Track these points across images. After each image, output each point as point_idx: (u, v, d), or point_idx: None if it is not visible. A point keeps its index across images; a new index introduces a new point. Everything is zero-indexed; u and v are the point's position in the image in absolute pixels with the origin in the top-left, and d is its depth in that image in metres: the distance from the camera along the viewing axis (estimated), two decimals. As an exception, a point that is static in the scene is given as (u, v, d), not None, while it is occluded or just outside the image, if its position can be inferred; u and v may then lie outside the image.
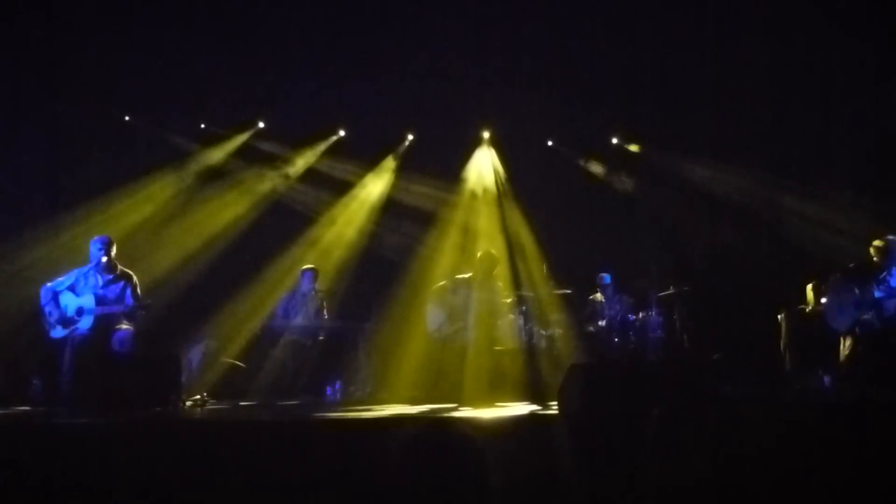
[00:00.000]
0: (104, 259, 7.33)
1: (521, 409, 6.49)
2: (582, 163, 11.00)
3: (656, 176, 10.54)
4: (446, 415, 5.96)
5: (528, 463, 4.32)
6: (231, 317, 9.47)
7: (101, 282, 7.39)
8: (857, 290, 7.33)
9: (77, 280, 7.35)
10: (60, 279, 7.37)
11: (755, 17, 9.12)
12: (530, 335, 8.18)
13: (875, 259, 7.45)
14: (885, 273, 7.36)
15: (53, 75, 9.59)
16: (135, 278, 7.61)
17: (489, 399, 7.10)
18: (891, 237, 7.45)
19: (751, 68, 9.54)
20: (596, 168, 10.96)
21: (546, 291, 9.23)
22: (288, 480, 4.31)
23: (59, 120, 9.90)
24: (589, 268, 9.83)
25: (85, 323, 7.20)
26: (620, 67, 9.87)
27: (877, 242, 7.48)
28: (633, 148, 10.81)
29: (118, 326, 7.32)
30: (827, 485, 4.23)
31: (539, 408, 6.54)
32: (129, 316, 7.42)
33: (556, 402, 5.63)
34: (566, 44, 9.66)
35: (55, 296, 7.29)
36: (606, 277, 9.68)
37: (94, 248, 7.38)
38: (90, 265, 7.35)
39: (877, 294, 7.27)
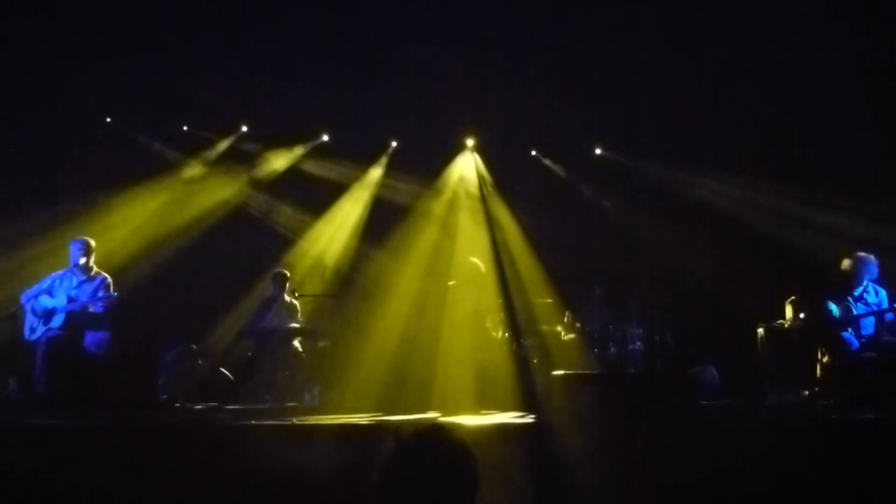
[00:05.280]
0: (82, 261, 7.41)
1: (503, 417, 6.48)
2: (564, 173, 11.01)
3: (638, 187, 10.58)
4: (427, 423, 5.94)
5: (508, 470, 4.31)
6: (209, 320, 9.41)
7: (75, 283, 7.46)
8: (835, 308, 7.38)
9: (53, 282, 7.43)
10: (38, 284, 7.45)
11: (742, 26, 9.15)
12: (513, 344, 8.17)
13: (847, 277, 7.49)
14: (860, 290, 7.41)
15: (33, 77, 9.47)
16: (109, 279, 7.63)
17: (471, 407, 7.08)
18: (861, 254, 7.48)
19: (739, 81, 9.58)
20: (578, 178, 10.97)
21: (529, 301, 9.23)
22: (264, 483, 4.28)
23: (36, 123, 9.78)
24: (571, 278, 9.83)
25: (56, 321, 7.23)
26: (604, 78, 9.90)
27: (847, 261, 7.53)
28: (616, 158, 10.84)
29: (93, 328, 7.33)
30: (803, 501, 4.24)
31: (521, 416, 6.53)
32: (101, 316, 7.41)
33: (537, 411, 5.63)
34: (554, 52, 9.67)
35: (34, 299, 7.34)
36: (598, 288, 9.62)
37: (73, 248, 7.47)
38: (68, 267, 7.44)
39: (855, 311, 7.32)
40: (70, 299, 7.31)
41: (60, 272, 7.47)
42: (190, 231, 10.08)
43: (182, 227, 10.10)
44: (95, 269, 7.60)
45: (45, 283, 7.42)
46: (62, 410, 6.30)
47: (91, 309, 7.36)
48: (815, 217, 9.54)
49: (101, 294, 7.43)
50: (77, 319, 7.29)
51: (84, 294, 7.40)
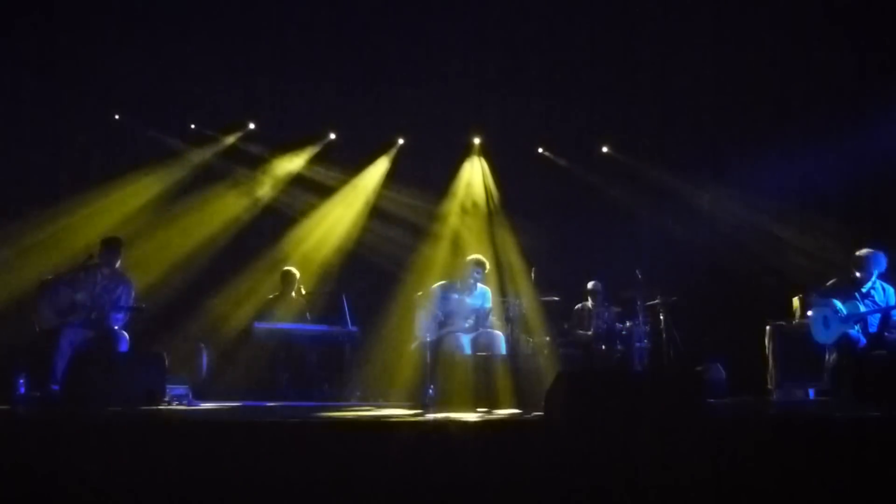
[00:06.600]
0: (108, 259, 7.51)
1: (507, 415, 6.49)
2: (571, 171, 11.02)
3: (645, 186, 10.59)
4: (432, 419, 5.96)
5: (511, 470, 4.32)
6: (218, 317, 9.45)
7: (100, 280, 7.50)
8: (841, 305, 7.37)
9: (77, 274, 7.46)
10: (62, 273, 7.50)
11: (750, 32, 9.13)
12: (517, 342, 8.18)
13: (856, 272, 7.48)
14: (868, 287, 7.40)
15: (37, 73, 9.52)
16: (133, 285, 7.71)
17: (474, 404, 7.10)
18: (869, 250, 7.47)
19: (745, 82, 9.56)
20: (585, 176, 10.98)
21: (533, 298, 9.23)
22: (267, 480, 4.30)
23: (39, 118, 9.83)
24: (576, 275, 9.84)
25: (76, 317, 7.28)
26: (612, 77, 9.90)
27: (858, 254, 7.51)
28: (622, 157, 10.86)
29: (109, 325, 7.37)
30: (809, 499, 4.24)
31: (524, 415, 6.53)
32: (121, 317, 7.50)
33: (541, 410, 5.62)
34: (559, 51, 9.67)
35: (54, 288, 7.37)
36: (599, 285, 9.67)
37: (101, 246, 7.55)
38: (93, 262, 7.49)
39: (862, 309, 7.31)
40: (94, 296, 7.38)
41: (87, 266, 7.50)
42: (196, 228, 10.14)
43: (188, 223, 10.15)
44: (122, 271, 7.69)
45: (69, 275, 7.47)
46: (73, 406, 6.32)
47: (112, 314, 7.43)
48: (824, 218, 9.54)
49: (123, 300, 7.52)
50: (97, 320, 7.35)
51: (108, 292, 7.49)
